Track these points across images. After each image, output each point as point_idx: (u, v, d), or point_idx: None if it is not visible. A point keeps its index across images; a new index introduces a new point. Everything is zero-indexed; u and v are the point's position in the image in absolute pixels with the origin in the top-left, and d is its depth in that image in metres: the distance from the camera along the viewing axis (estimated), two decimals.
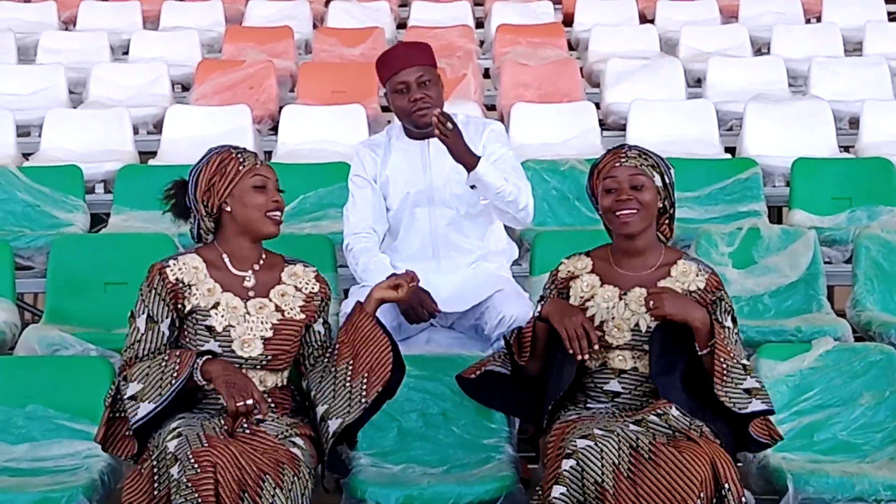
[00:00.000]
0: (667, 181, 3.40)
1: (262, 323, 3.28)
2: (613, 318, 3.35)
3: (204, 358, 3.19)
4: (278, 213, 3.32)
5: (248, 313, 3.28)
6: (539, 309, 3.40)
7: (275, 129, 6.97)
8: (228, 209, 3.29)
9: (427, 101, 3.99)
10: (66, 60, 7.81)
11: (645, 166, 3.38)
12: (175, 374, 3.15)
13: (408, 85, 3.99)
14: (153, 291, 3.27)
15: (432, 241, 4.11)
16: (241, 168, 3.30)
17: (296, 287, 3.35)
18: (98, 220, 5.92)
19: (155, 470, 3.08)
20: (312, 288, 3.37)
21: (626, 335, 3.34)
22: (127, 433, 3.20)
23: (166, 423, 3.16)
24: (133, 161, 6.46)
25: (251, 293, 3.31)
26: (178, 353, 3.21)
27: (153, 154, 6.62)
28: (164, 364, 3.18)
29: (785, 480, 3.52)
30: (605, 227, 3.49)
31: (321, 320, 3.40)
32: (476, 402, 3.60)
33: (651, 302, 3.25)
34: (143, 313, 3.26)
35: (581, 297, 3.39)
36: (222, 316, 3.26)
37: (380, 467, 3.63)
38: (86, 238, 5.28)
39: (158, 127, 6.99)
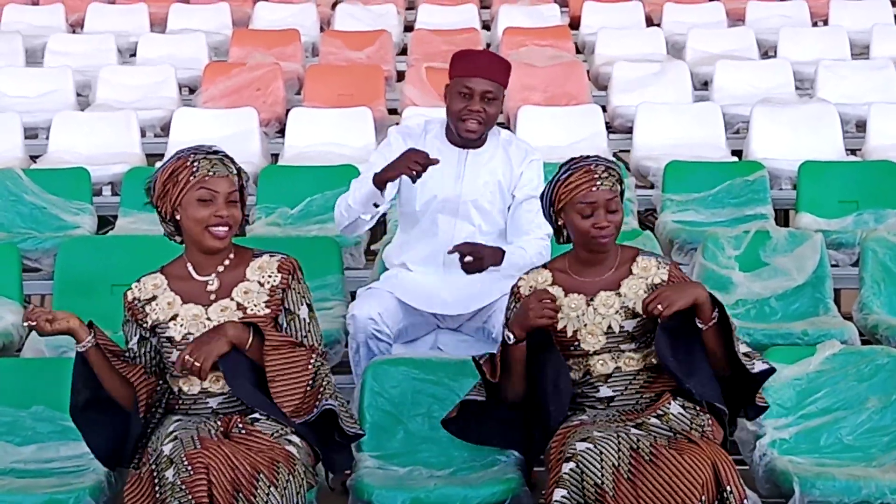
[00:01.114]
0: (623, 188, 3.41)
1: None
2: (585, 325, 3.34)
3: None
4: (220, 228, 3.25)
5: (209, 318, 3.27)
6: (507, 335, 3.31)
7: (282, 132, 6.99)
8: (178, 217, 3.30)
9: (481, 116, 3.95)
10: (74, 63, 7.83)
11: (615, 183, 3.36)
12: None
13: (472, 93, 3.94)
14: (124, 315, 3.36)
15: (445, 251, 4.10)
16: (191, 178, 3.25)
17: (259, 282, 3.31)
18: (105, 223, 5.93)
19: (154, 473, 3.09)
20: (274, 281, 3.32)
21: (601, 339, 3.34)
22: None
23: (164, 427, 3.19)
24: (140, 163, 6.47)
25: (212, 297, 3.29)
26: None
27: (160, 157, 6.60)
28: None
29: (791, 483, 3.52)
30: (557, 234, 3.46)
31: (304, 304, 3.33)
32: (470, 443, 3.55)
33: (658, 306, 3.22)
34: (125, 339, 3.36)
35: None
36: (181, 325, 3.27)
37: (386, 470, 3.63)
38: (93, 240, 5.30)
39: (166, 129, 7.01)
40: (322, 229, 5.42)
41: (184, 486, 2.98)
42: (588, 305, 3.36)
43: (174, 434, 3.11)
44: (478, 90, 3.94)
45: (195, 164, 3.27)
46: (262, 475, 3.04)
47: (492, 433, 3.46)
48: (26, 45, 8.25)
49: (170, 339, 3.27)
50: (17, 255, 4.87)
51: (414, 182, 3.85)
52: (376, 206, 3.96)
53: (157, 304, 3.30)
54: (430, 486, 3.50)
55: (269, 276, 3.32)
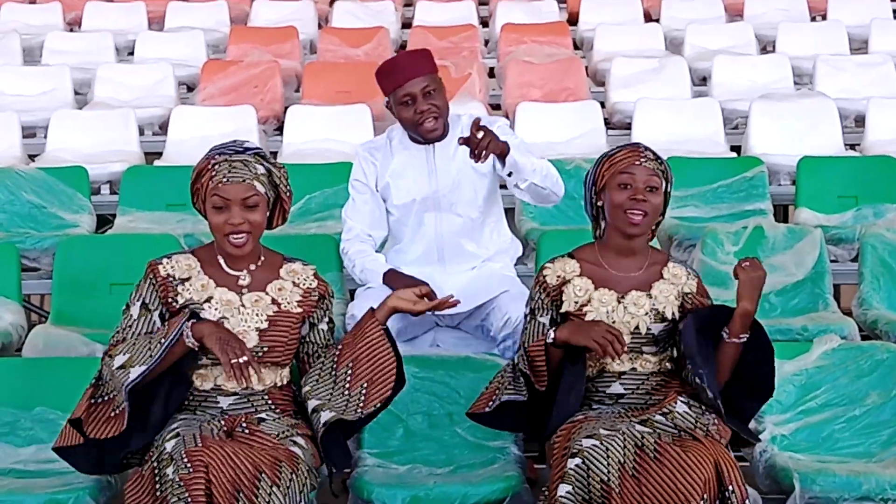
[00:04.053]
0: (670, 189, 3.41)
1: (256, 315, 3.27)
2: (613, 321, 3.33)
3: (192, 320, 3.19)
4: (236, 236, 3.25)
5: (243, 306, 3.28)
6: (552, 335, 3.29)
7: (280, 130, 6.98)
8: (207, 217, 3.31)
9: (433, 111, 3.96)
10: (72, 61, 7.83)
11: (659, 170, 3.37)
12: (164, 336, 3.16)
13: (413, 97, 3.95)
14: (147, 282, 3.30)
15: (438, 247, 4.10)
16: (209, 184, 3.25)
17: (294, 283, 3.35)
18: (104, 221, 5.93)
19: (156, 471, 3.09)
20: (311, 284, 3.36)
21: (626, 339, 3.33)
22: (113, 413, 3.17)
23: (167, 425, 3.18)
24: (139, 162, 6.47)
25: (245, 290, 3.30)
26: (165, 324, 3.24)
27: (159, 155, 6.62)
28: (150, 336, 3.21)
29: (791, 479, 3.52)
30: (592, 224, 3.45)
31: (326, 319, 3.39)
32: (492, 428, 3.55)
33: (746, 264, 3.21)
34: (137, 301, 3.29)
35: (576, 302, 3.37)
36: (215, 309, 3.26)
37: (386, 468, 3.64)
38: (92, 239, 5.29)
39: (164, 128, 7.00)
40: (321, 227, 5.42)
41: (182, 483, 2.98)
42: (619, 303, 3.35)
43: (176, 431, 3.11)
44: (416, 91, 3.94)
45: (216, 166, 3.27)
46: (263, 475, 3.04)
47: (516, 421, 3.45)
48: (24, 43, 8.24)
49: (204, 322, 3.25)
50: (16, 254, 4.86)
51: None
52: None
53: (190, 285, 3.29)
54: (429, 484, 3.50)
55: (305, 279, 3.36)
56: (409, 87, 3.94)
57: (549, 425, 3.27)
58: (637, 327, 3.33)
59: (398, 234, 4.17)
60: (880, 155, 6.10)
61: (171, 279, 3.29)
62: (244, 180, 3.25)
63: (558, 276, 3.39)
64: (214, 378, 3.27)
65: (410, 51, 4.09)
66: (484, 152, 3.71)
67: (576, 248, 3.47)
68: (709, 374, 3.23)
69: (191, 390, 3.28)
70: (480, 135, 3.72)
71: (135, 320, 3.27)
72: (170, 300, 3.28)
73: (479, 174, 4.06)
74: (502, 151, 3.82)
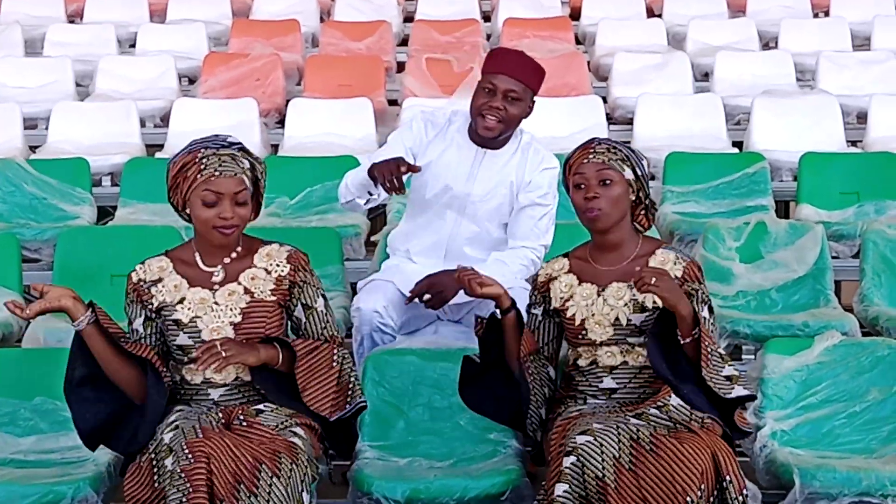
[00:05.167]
0: (639, 173, 3.38)
1: (230, 310, 3.27)
2: (593, 314, 3.34)
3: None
4: (226, 229, 3.25)
5: (216, 303, 3.27)
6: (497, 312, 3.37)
7: (281, 123, 6.99)
8: (188, 211, 3.30)
9: (501, 114, 3.91)
10: (73, 53, 7.83)
11: (614, 161, 3.34)
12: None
13: (494, 89, 3.90)
14: (126, 297, 3.35)
15: (447, 246, 4.09)
16: (198, 177, 3.24)
17: (266, 269, 3.32)
18: (105, 213, 5.94)
19: (154, 462, 3.09)
20: (282, 271, 3.31)
21: (609, 330, 3.34)
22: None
23: (165, 417, 3.18)
24: (140, 154, 6.48)
25: (217, 286, 3.30)
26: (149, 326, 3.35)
27: (160, 147, 6.63)
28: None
29: (792, 475, 3.52)
30: (581, 223, 3.47)
31: (317, 298, 3.34)
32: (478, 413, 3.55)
33: (650, 279, 3.12)
34: (127, 321, 3.34)
35: (561, 298, 3.39)
36: (188, 308, 3.27)
37: (386, 461, 3.63)
38: (93, 230, 5.30)
39: (165, 120, 7.01)
40: (322, 220, 5.42)
41: (182, 474, 2.98)
42: (598, 296, 3.35)
43: (175, 423, 3.11)
44: (501, 87, 3.90)
45: (204, 160, 3.25)
46: (263, 466, 3.04)
47: (491, 405, 3.46)
48: (26, 35, 8.24)
49: (177, 322, 3.27)
50: (17, 244, 4.86)
51: (389, 193, 3.84)
52: (371, 193, 3.96)
53: (163, 286, 3.30)
54: (430, 478, 3.50)
55: (277, 265, 3.33)
56: (497, 79, 3.90)
57: (523, 406, 3.31)
58: (617, 318, 3.33)
59: (415, 217, 4.15)
60: (882, 151, 6.11)
61: (141, 283, 3.32)
62: (235, 174, 3.25)
63: (547, 274, 3.45)
64: (203, 372, 3.27)
65: (529, 57, 4.02)
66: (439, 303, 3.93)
67: (576, 246, 3.49)
68: (690, 391, 3.19)
69: (181, 384, 3.30)
70: (427, 297, 3.90)
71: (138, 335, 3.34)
72: (146, 303, 3.31)
73: (513, 192, 4.05)
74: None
